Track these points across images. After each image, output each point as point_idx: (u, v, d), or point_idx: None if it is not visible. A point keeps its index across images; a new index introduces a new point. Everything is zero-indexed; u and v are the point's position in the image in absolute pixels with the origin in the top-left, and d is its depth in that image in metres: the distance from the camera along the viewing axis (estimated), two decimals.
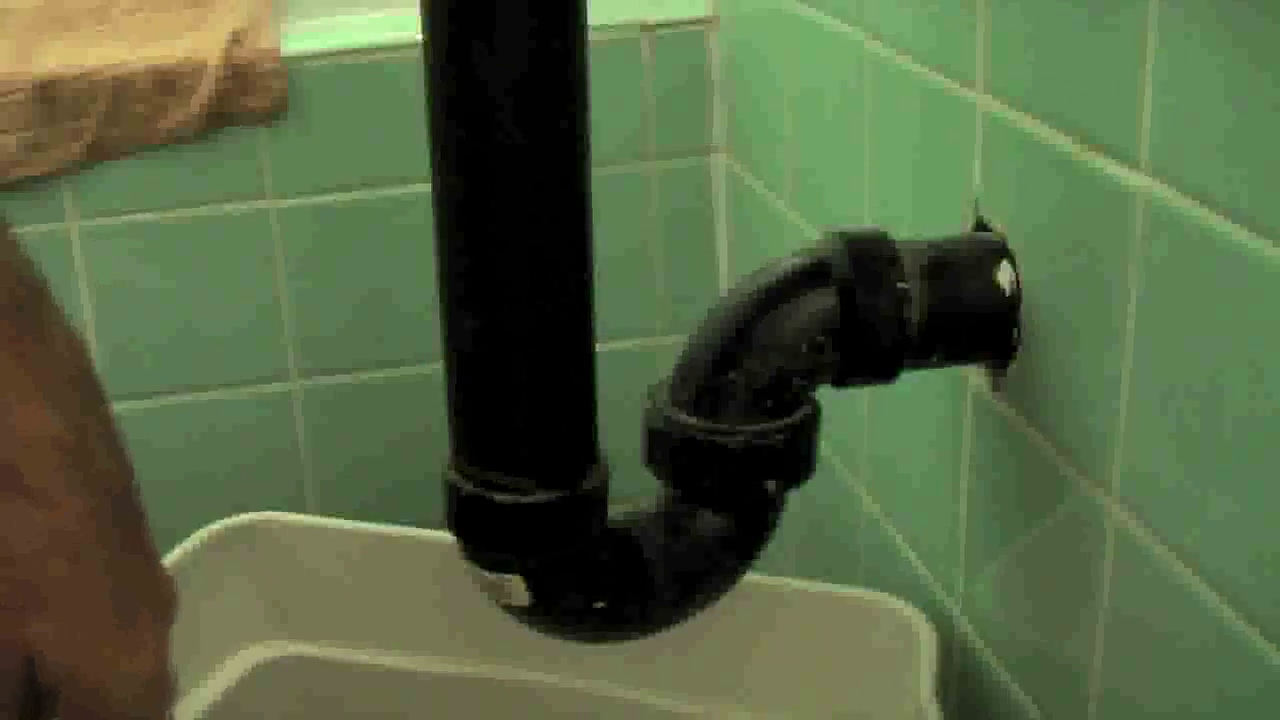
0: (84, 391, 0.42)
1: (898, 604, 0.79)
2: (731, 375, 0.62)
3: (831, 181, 0.90)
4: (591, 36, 0.53)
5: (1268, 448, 0.49)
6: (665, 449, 0.63)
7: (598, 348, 0.58)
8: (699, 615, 0.66)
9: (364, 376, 1.16)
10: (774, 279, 0.63)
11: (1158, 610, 0.57)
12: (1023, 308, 0.64)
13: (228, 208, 1.12)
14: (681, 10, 1.15)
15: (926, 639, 0.76)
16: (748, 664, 0.84)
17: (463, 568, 0.61)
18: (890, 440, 0.85)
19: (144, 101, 1.07)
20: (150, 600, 0.43)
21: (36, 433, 0.40)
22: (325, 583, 0.90)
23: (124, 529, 0.42)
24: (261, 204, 1.12)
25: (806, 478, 0.65)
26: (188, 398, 1.13)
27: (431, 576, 0.88)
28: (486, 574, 0.60)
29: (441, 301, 0.56)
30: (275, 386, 1.14)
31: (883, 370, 0.64)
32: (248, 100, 1.08)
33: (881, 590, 0.81)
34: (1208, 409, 0.52)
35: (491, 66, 0.51)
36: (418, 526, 0.90)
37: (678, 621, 0.66)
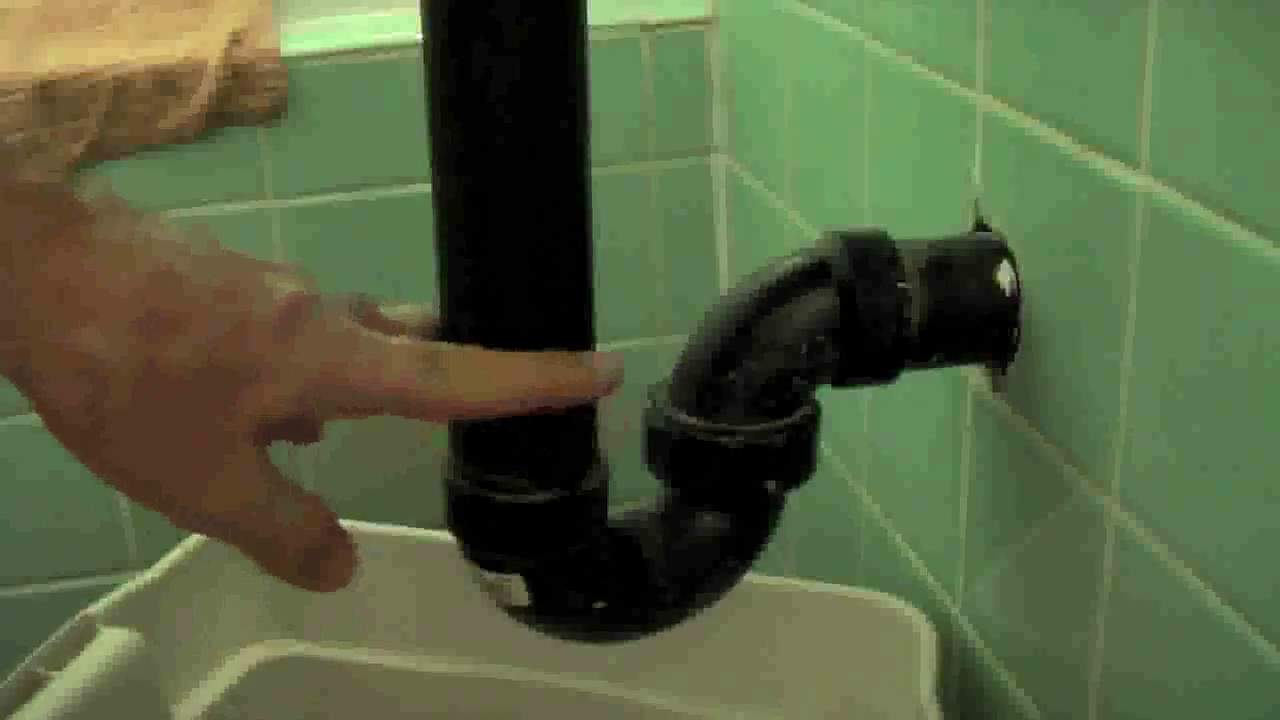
0: None
1: (898, 604, 0.79)
2: (731, 375, 0.62)
3: (831, 181, 0.90)
4: (591, 36, 0.53)
5: (1267, 448, 0.49)
6: (665, 449, 0.63)
7: (598, 348, 0.58)
8: (699, 615, 0.66)
9: None
10: (774, 279, 0.63)
11: (1158, 610, 0.57)
12: (1023, 308, 0.64)
13: (228, 208, 1.12)
14: (681, 10, 1.15)
15: (926, 639, 0.76)
16: (748, 664, 0.84)
17: (463, 568, 0.61)
18: (890, 440, 0.85)
19: (144, 101, 1.07)
20: None
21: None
22: None
23: None
24: (261, 204, 1.12)
25: (806, 478, 0.65)
26: None
27: (431, 576, 0.88)
28: (486, 574, 0.60)
29: (441, 301, 0.56)
30: None
31: (883, 370, 0.64)
32: (248, 100, 1.08)
33: (881, 590, 0.81)
34: (1208, 409, 0.52)
35: (491, 66, 0.51)
36: (417, 526, 0.90)
37: (678, 622, 0.66)
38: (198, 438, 0.46)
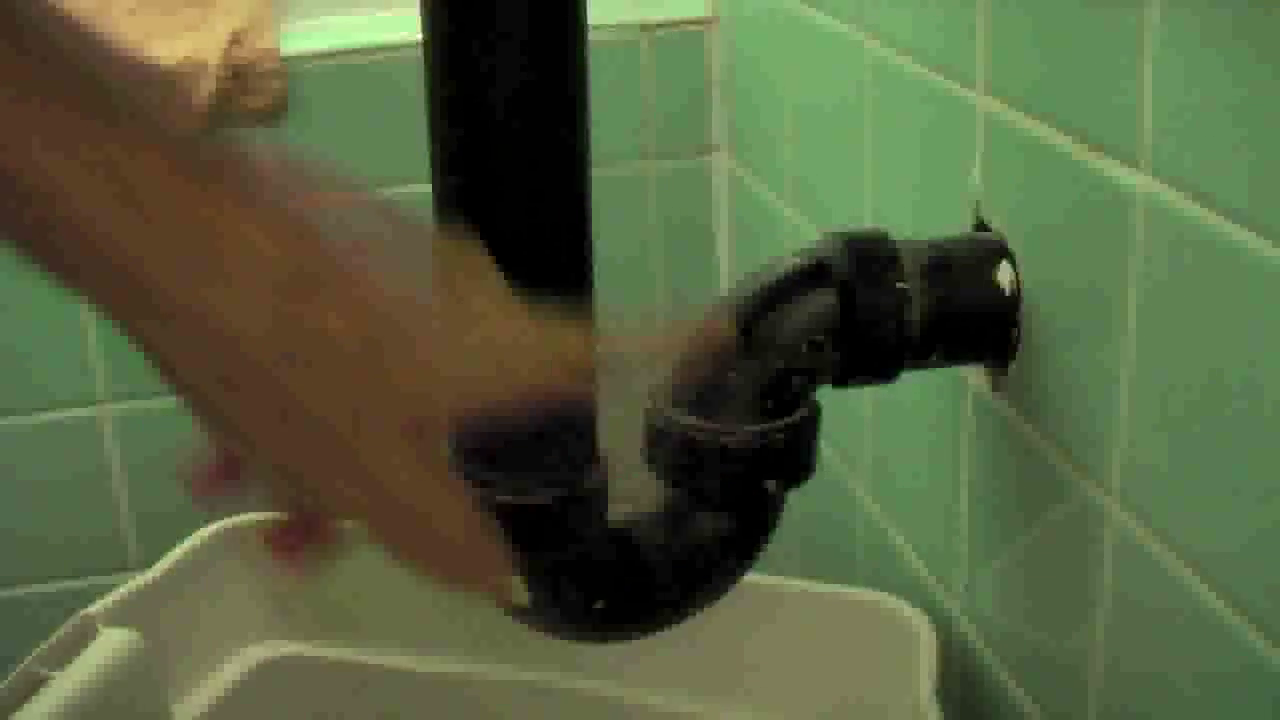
0: None
1: (898, 604, 0.79)
2: (731, 375, 0.62)
3: (831, 182, 0.90)
4: (591, 36, 0.53)
5: (1268, 447, 0.49)
6: (665, 449, 0.63)
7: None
8: (699, 615, 0.66)
9: None
10: (774, 279, 0.63)
11: (1158, 610, 0.57)
12: (1023, 308, 0.64)
13: None
14: (681, 10, 1.15)
15: (926, 639, 0.76)
16: (747, 663, 0.84)
17: None
18: (890, 440, 0.85)
19: None
20: None
21: None
22: (325, 583, 0.90)
23: None
24: None
25: (806, 478, 0.65)
26: None
27: None
28: None
29: None
30: None
31: (883, 370, 0.64)
32: (248, 100, 1.08)
33: (881, 590, 0.81)
34: (1208, 409, 0.52)
35: (491, 66, 0.51)
36: None
37: (677, 621, 0.66)
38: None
